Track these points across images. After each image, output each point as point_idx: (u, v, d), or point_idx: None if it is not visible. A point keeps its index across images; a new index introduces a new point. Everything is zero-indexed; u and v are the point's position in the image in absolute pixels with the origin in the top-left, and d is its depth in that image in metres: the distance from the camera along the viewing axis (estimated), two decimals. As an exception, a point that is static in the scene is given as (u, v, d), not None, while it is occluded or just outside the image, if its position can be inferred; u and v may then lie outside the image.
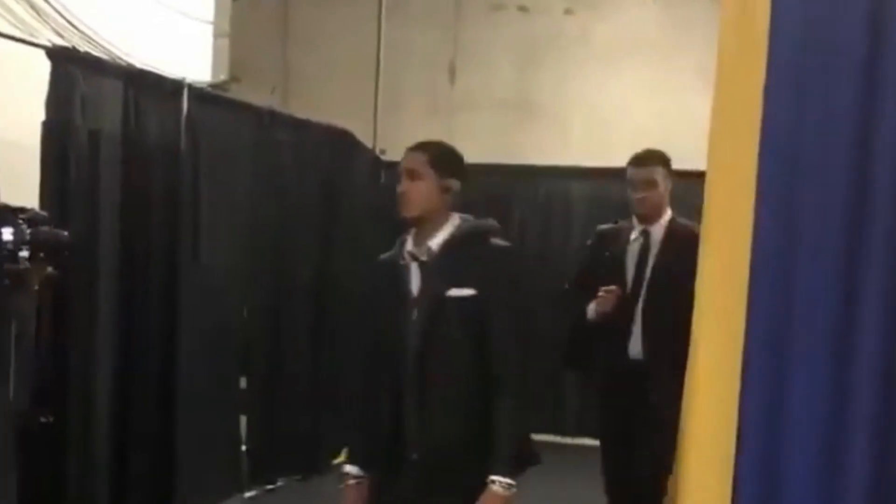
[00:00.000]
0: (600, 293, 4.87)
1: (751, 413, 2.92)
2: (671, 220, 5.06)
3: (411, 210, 3.59)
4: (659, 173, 5.10)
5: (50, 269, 5.02)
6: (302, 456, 7.63)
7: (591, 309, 4.95)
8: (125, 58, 7.21)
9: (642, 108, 9.64)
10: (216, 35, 9.32)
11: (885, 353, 2.91)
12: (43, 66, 5.32)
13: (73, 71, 5.44)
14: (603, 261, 5.08)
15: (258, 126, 7.10)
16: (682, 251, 4.42)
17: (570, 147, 9.81)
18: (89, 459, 5.55)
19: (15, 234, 4.87)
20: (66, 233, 5.09)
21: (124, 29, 7.64)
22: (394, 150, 9.94)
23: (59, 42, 6.20)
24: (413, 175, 3.66)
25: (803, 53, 2.95)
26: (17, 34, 5.80)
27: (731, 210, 2.96)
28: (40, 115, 5.31)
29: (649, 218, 5.01)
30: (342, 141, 8.30)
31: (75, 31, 7.15)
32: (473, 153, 10.08)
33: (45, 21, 6.86)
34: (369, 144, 9.64)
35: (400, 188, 3.65)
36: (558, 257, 9.71)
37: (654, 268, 4.89)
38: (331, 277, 8.07)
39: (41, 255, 4.98)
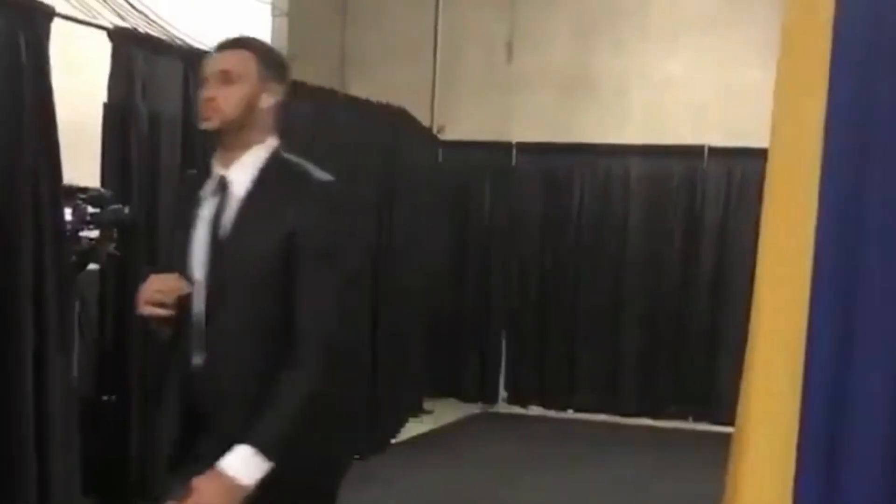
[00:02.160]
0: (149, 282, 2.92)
1: (813, 413, 2.85)
2: (272, 158, 2.98)
3: None
4: (244, 61, 2.93)
5: (112, 248, 5.08)
6: (360, 436, 7.65)
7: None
8: (185, 38, 7.24)
9: (702, 83, 9.53)
10: (275, 15, 9.35)
11: None
12: (104, 48, 5.37)
13: (133, 52, 5.48)
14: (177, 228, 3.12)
15: (315, 105, 7.10)
16: (271, 210, 2.86)
17: (628, 124, 9.73)
18: (151, 438, 5.61)
19: (75, 213, 4.93)
20: (126, 210, 5.14)
21: (184, 9, 7.68)
22: (452, 128, 9.95)
23: (120, 24, 6.24)
24: None
25: (870, 31, 2.88)
26: (79, 16, 5.83)
27: (794, 191, 2.88)
28: (102, 96, 5.35)
29: (228, 144, 2.95)
30: (398, 119, 8.29)
31: (136, 12, 7.19)
32: (531, 131, 10.10)
33: (106, 2, 6.90)
34: (427, 123, 9.64)
35: None
36: (617, 235, 9.68)
37: (226, 239, 2.87)
38: (387, 256, 8.09)
39: (104, 234, 5.05)
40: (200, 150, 5.92)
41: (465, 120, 9.99)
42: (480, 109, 10.08)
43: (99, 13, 6.55)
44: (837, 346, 2.84)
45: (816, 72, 2.87)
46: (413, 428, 8.81)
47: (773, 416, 2.87)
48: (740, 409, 3.04)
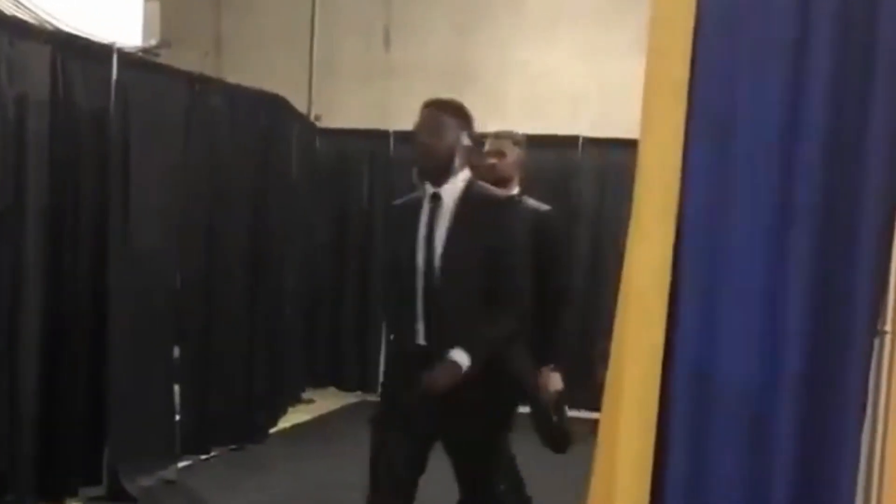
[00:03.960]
0: None
1: (678, 386, 2.93)
2: None
3: None
4: None
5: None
6: (237, 425, 7.59)
7: None
8: (53, 22, 7.05)
9: (579, 74, 9.66)
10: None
11: (812, 332, 2.95)
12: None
13: (-2, 35, 5.33)
14: None
15: (189, 92, 7.00)
16: None
17: (506, 114, 9.78)
18: (17, 431, 5.47)
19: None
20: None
21: (53, -8, 7.47)
22: (329, 116, 9.90)
23: (-15, 5, 6.06)
24: None
25: (731, 32, 2.96)
26: (-59, -4, 5.65)
27: (661, 191, 2.95)
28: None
29: None
30: (275, 106, 8.22)
31: (1, -7, 6.98)
32: (409, 120, 10.04)
33: (-31, -17, 6.69)
34: (304, 111, 9.57)
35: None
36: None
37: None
38: (265, 244, 8.02)
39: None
40: (69, 136, 5.79)
41: (342, 108, 9.95)
42: (358, 98, 10.05)
43: (-38, -6, 6.35)
44: (700, 347, 2.92)
45: (681, 70, 2.94)
46: (293, 417, 8.77)
47: (637, 407, 2.94)
48: (606, 398, 3.11)
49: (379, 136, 9.83)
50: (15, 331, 5.45)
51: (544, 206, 5.17)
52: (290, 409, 8.89)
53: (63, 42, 5.85)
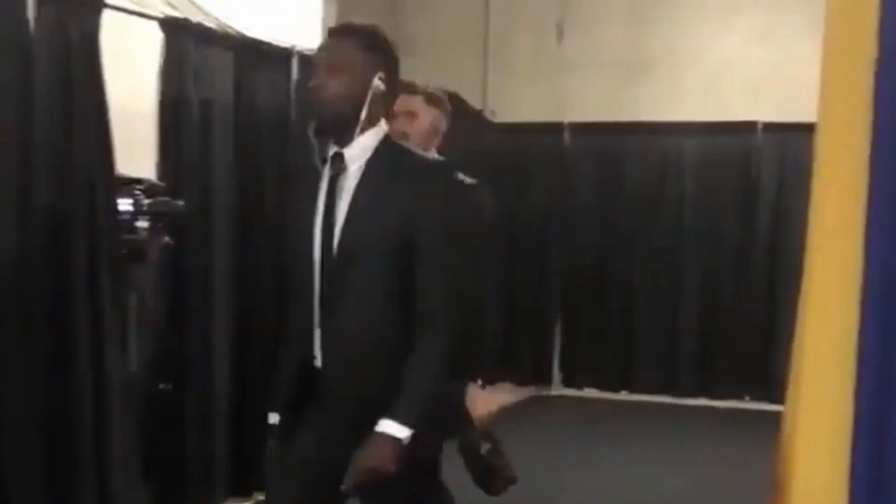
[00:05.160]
0: None
1: (863, 403, 2.83)
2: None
3: None
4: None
5: (167, 239, 5.12)
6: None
7: None
8: (235, 27, 7.27)
9: (755, 60, 9.44)
10: (325, 1, 9.35)
11: None
12: (157, 37, 5.42)
13: (185, 41, 5.51)
14: None
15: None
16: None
17: (682, 102, 9.66)
18: (208, 429, 5.63)
19: (133, 204, 4.98)
20: (182, 203, 5.18)
21: (234, -2, 7.71)
22: (503, 111, 9.93)
23: (172, 13, 6.29)
24: None
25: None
26: (131, 6, 5.89)
27: (843, 171, 2.84)
28: (151, 87, 5.40)
29: None
30: (452, 104, 8.27)
31: (187, 1, 7.22)
32: (584, 112, 10.05)
33: (155, -8, 6.95)
34: (478, 107, 9.62)
35: None
36: (671, 213, 9.65)
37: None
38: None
39: (159, 225, 5.08)
40: (252, 139, 5.96)
41: (516, 102, 9.97)
42: (532, 91, 10.04)
43: (150, 3, 6.61)
44: (883, 339, 2.81)
45: (863, 45, 2.83)
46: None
47: (823, 400, 2.84)
48: (789, 392, 3.02)
49: (553, 128, 9.82)
50: (208, 332, 5.61)
51: (469, 180, 4.19)
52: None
53: (245, 47, 6.02)
